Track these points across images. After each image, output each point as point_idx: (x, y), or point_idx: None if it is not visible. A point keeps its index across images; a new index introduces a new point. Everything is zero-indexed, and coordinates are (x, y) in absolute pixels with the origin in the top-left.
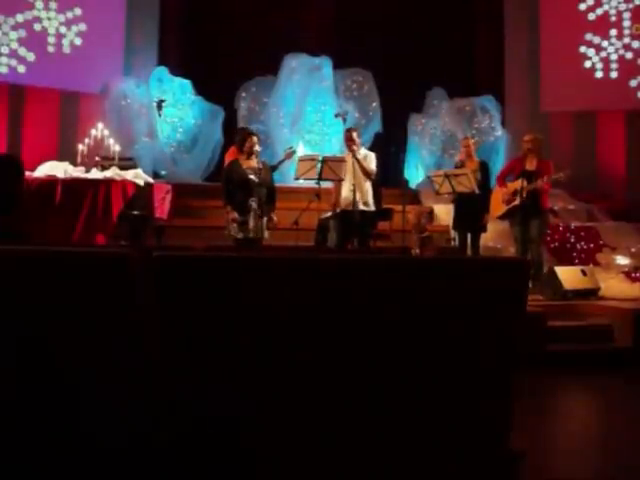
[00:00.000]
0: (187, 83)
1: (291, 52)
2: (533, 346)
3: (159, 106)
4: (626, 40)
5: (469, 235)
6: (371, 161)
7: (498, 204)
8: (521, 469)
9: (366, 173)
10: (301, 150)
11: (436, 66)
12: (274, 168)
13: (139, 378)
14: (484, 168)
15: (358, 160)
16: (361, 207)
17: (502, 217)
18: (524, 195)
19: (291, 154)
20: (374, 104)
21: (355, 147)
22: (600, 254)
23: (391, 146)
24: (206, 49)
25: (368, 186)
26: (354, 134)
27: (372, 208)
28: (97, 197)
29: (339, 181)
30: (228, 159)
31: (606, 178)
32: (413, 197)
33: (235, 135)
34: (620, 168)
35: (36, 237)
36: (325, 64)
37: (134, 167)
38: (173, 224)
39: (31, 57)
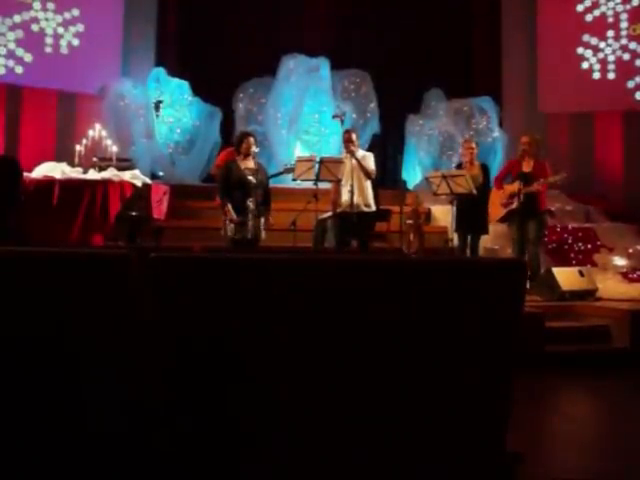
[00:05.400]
0: (185, 84)
1: (289, 53)
2: (531, 347)
3: (157, 107)
4: (623, 41)
5: (469, 237)
6: (369, 161)
7: (496, 207)
8: (519, 472)
9: (366, 173)
10: (299, 151)
11: (434, 67)
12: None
13: (137, 378)
14: (485, 171)
15: (358, 160)
16: (362, 208)
17: (501, 220)
18: (521, 198)
19: (289, 171)
20: (372, 105)
21: (354, 148)
22: (598, 255)
23: (389, 147)
24: (204, 50)
25: (368, 186)
26: (353, 135)
27: (373, 209)
28: (95, 198)
29: (337, 182)
30: (219, 161)
31: (604, 179)
32: (412, 198)
33: (234, 138)
34: (618, 169)
35: (34, 238)
36: (323, 65)
37: (132, 168)
38: (171, 225)
39: (29, 58)
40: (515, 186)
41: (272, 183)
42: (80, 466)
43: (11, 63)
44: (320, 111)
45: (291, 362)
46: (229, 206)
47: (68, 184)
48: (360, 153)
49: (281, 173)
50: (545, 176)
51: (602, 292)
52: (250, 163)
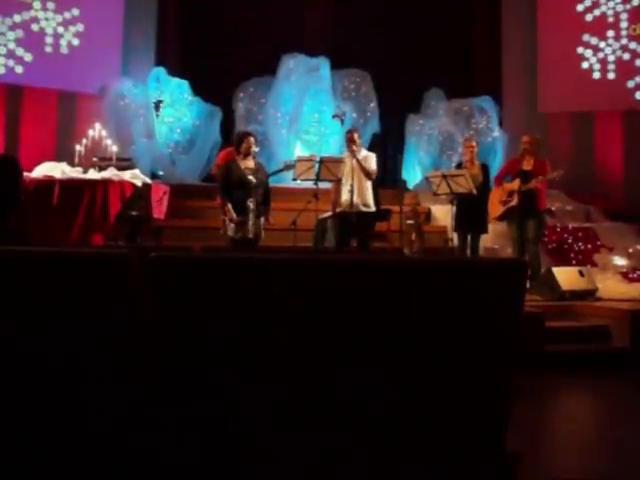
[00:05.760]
0: (185, 83)
1: (289, 52)
2: (531, 347)
3: (157, 106)
4: (623, 41)
5: (469, 236)
6: (371, 162)
7: (495, 205)
8: (518, 471)
9: (367, 174)
10: (299, 151)
11: (434, 67)
12: (269, 174)
13: (137, 378)
14: (485, 170)
15: (358, 161)
16: (361, 208)
17: (500, 218)
18: (520, 196)
19: (290, 167)
20: (372, 105)
21: (355, 148)
22: (597, 255)
23: (389, 147)
24: (204, 49)
25: (368, 186)
26: (355, 135)
27: (372, 209)
28: (95, 198)
29: (337, 181)
30: (219, 161)
31: (604, 179)
32: (411, 198)
33: (233, 138)
34: (618, 169)
35: (34, 238)
36: (323, 65)
37: (132, 167)
38: (171, 225)
39: (29, 57)
40: (515, 184)
41: (272, 182)
42: (80, 466)
43: (11, 63)
44: (320, 111)
45: (291, 362)
46: (229, 206)
47: (68, 184)
48: (363, 153)
49: (282, 170)
50: (544, 174)
51: (602, 292)
52: (250, 163)
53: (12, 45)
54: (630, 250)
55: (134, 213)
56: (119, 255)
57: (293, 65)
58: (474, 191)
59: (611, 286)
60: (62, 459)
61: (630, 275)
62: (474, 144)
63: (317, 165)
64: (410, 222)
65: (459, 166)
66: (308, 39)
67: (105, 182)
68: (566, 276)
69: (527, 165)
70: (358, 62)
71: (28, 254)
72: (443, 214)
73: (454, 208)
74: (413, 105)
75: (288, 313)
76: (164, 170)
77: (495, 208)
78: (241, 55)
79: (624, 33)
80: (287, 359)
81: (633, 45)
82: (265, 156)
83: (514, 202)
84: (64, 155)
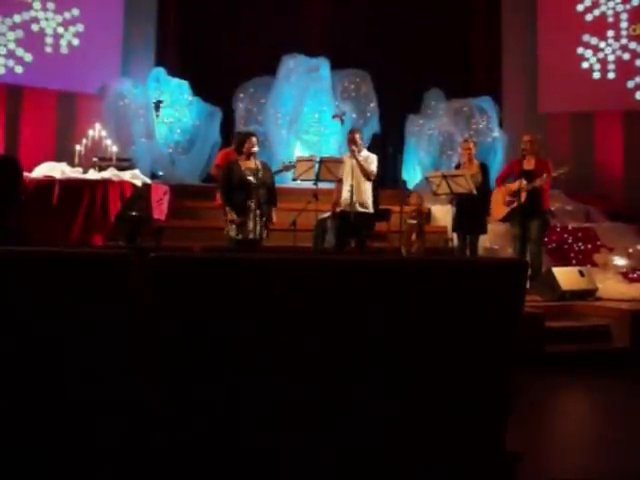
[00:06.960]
0: (185, 84)
1: (289, 53)
2: (531, 347)
3: (157, 107)
4: (623, 41)
5: (468, 237)
6: (372, 162)
7: (498, 206)
8: (518, 471)
9: (366, 174)
10: (298, 151)
11: (433, 67)
12: None
13: (137, 378)
14: (484, 170)
15: (358, 161)
16: (358, 208)
17: (504, 220)
18: (523, 195)
19: (288, 168)
20: (372, 105)
21: (355, 148)
22: (598, 255)
23: (389, 147)
24: (204, 50)
25: (368, 187)
26: (356, 135)
27: (370, 210)
28: (95, 198)
29: (339, 182)
30: (218, 161)
31: (604, 179)
32: (416, 198)
33: (233, 138)
34: (618, 169)
35: (34, 238)
36: (323, 65)
37: (132, 168)
38: (171, 225)
39: (29, 58)
40: (517, 184)
41: (274, 182)
42: (80, 466)
43: (11, 63)
44: (320, 111)
45: (291, 362)
46: (229, 207)
47: (68, 184)
48: (364, 154)
49: (280, 171)
50: (548, 173)
51: (602, 292)
52: (251, 163)
53: (12, 45)
54: (630, 250)
55: (134, 213)
56: (119, 255)
57: (293, 65)
58: (474, 191)
59: (611, 286)
60: (62, 459)
61: (630, 275)
62: (471, 145)
63: (317, 165)
64: (412, 222)
65: (457, 168)
66: (308, 39)
67: (105, 182)
68: (566, 276)
69: (528, 165)
70: (358, 62)
71: (28, 254)
72: (443, 214)
73: (454, 208)
74: (413, 105)
75: (288, 313)
76: (164, 170)
77: (499, 209)
78: (241, 55)
79: (624, 33)
80: (287, 359)
81: (633, 45)
82: (265, 156)
83: (516, 204)
84: (64, 155)
